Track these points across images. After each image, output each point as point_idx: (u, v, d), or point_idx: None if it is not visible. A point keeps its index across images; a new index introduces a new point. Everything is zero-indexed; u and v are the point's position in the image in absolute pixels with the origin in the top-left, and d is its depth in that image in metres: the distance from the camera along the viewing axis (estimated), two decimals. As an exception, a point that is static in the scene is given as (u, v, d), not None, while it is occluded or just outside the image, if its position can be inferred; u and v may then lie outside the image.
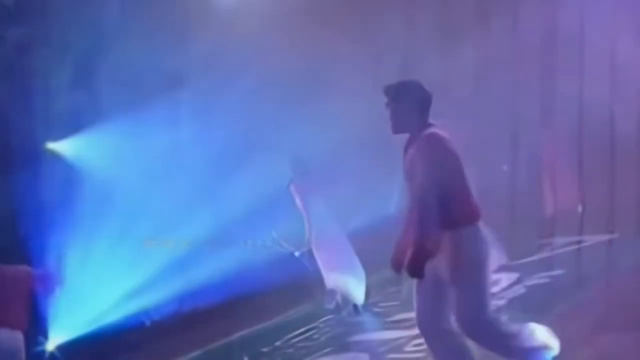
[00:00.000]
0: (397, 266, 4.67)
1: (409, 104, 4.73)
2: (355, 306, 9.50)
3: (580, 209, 10.62)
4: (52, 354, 9.91)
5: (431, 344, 4.72)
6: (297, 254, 10.21)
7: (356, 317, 9.36)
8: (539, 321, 6.40)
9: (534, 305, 7.01)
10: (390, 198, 9.71)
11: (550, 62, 9.84)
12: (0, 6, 8.81)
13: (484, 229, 4.62)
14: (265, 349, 8.82)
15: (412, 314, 4.93)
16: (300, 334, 9.06)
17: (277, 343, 8.95)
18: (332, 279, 9.60)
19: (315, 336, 8.82)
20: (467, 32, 9.84)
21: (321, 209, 9.51)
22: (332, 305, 9.65)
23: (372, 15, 9.84)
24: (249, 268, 10.01)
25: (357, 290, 9.51)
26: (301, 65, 9.79)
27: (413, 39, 9.78)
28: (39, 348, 9.91)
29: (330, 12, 9.78)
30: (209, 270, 10.31)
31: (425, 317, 4.69)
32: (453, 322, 4.63)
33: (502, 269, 8.78)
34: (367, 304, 9.14)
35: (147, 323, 10.87)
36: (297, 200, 9.53)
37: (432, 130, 4.67)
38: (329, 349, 7.76)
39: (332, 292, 9.66)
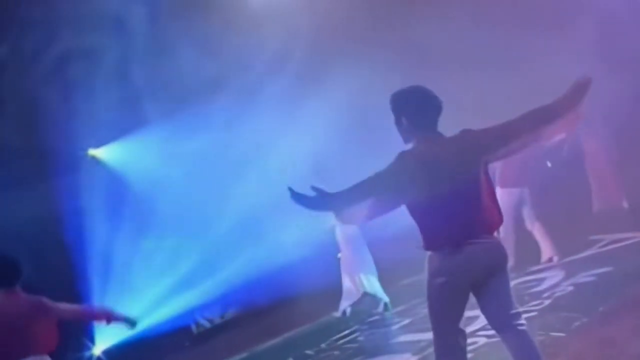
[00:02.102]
0: None
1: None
2: (385, 304, 9.70)
3: (626, 205, 10.47)
4: (98, 358, 10.01)
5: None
6: (339, 256, 10.22)
7: (387, 313, 9.54)
8: (586, 319, 6.37)
9: (581, 303, 6.91)
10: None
11: (594, 55, 9.64)
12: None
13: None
14: (310, 351, 8.82)
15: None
16: (345, 335, 9.05)
17: (322, 345, 8.95)
18: (356, 282, 9.80)
19: (361, 338, 8.79)
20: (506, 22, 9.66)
21: None
22: (347, 314, 9.88)
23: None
24: (293, 270, 10.03)
25: (380, 289, 9.79)
26: (337, 65, 9.75)
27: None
28: (86, 353, 10.02)
29: (370, 11, 9.68)
30: (254, 272, 10.35)
31: None
32: None
33: (548, 267, 8.79)
34: (413, 304, 9.11)
35: (194, 329, 10.94)
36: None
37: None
38: (375, 351, 7.72)
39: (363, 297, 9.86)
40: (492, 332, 6.92)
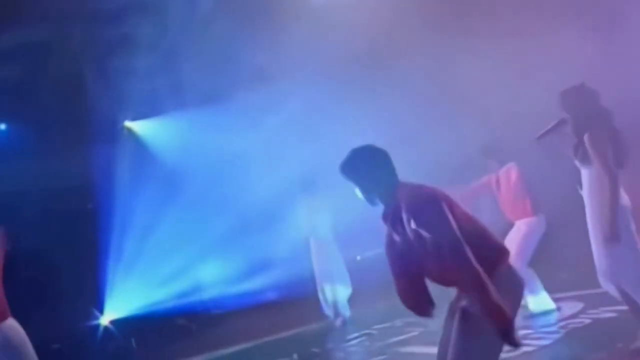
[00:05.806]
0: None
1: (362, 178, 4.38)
2: (345, 321, 9.85)
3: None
4: (106, 327, 10.08)
5: None
6: (358, 258, 10.15)
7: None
8: (601, 355, 6.21)
9: (598, 338, 6.75)
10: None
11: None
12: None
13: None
14: (316, 350, 8.78)
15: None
16: (353, 338, 8.98)
17: (330, 345, 8.91)
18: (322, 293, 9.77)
19: (367, 343, 8.71)
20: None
21: (326, 228, 9.56)
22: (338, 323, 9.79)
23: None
24: (306, 269, 9.99)
25: (344, 304, 9.94)
26: (388, 63, 9.63)
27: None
28: (94, 322, 10.10)
29: (425, 11, 9.49)
30: (269, 268, 10.35)
31: None
32: None
33: (566, 296, 8.59)
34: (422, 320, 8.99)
35: (202, 314, 10.95)
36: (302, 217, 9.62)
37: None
38: (381, 357, 7.64)
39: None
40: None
